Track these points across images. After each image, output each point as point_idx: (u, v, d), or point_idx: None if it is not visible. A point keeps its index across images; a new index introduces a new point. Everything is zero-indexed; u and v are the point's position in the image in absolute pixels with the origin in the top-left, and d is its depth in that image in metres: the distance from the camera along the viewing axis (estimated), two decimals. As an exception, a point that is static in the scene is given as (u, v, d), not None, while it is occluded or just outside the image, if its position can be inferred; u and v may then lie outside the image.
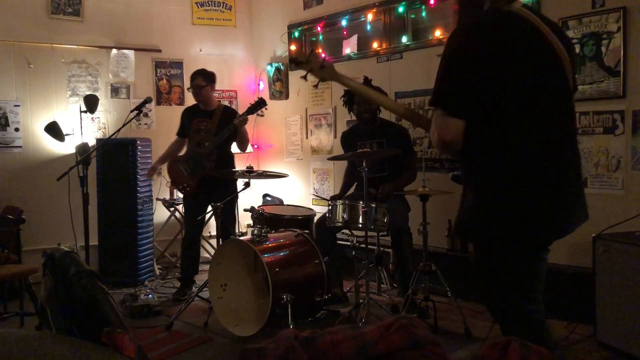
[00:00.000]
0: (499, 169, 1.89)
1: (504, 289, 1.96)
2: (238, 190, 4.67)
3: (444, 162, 4.58)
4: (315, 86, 2.63)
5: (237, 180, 4.71)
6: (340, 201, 3.86)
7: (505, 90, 1.84)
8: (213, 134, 4.58)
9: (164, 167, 5.08)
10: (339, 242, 4.37)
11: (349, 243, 3.96)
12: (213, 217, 4.71)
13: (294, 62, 2.70)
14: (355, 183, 4.53)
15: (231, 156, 4.80)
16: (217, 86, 6.20)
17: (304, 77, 2.47)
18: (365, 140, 4.27)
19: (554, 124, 1.91)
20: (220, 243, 4.68)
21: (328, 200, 4.14)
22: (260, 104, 4.57)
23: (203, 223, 4.85)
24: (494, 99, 1.84)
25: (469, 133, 1.87)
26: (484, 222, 1.93)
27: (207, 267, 4.44)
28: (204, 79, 4.70)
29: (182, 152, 4.88)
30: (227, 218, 4.55)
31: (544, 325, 1.97)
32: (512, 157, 1.87)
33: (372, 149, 4.16)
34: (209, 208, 4.70)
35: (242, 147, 4.83)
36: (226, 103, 6.30)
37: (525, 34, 1.88)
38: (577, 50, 3.71)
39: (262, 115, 6.34)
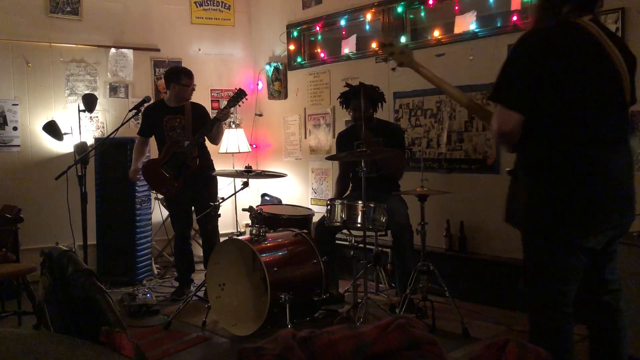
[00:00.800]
0: (549, 164, 2.11)
1: (538, 274, 2.18)
2: (219, 186, 4.67)
3: (442, 162, 4.59)
4: (393, 69, 2.90)
5: (214, 177, 4.64)
6: (339, 201, 3.86)
7: (560, 94, 2.07)
8: (190, 131, 4.49)
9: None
10: (337, 242, 4.38)
11: (347, 243, 3.96)
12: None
13: (380, 45, 2.96)
14: (350, 188, 4.53)
15: (208, 152, 4.72)
16: (216, 85, 6.27)
17: (385, 60, 2.72)
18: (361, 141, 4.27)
19: (607, 129, 2.11)
20: (202, 241, 4.73)
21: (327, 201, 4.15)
22: (240, 95, 4.52)
23: (191, 222, 4.79)
24: (549, 100, 2.07)
25: (526, 129, 2.09)
26: (530, 210, 2.16)
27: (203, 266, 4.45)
28: (192, 78, 4.63)
29: (148, 153, 4.89)
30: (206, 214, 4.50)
31: (569, 323, 2.17)
32: (560, 155, 2.09)
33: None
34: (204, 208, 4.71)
35: (216, 141, 4.75)
36: (224, 103, 6.32)
37: (586, 46, 2.11)
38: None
39: (260, 115, 6.38)
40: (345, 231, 4.09)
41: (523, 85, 2.07)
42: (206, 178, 4.53)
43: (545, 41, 2.08)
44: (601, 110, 2.11)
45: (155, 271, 5.38)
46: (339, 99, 4.43)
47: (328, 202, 3.93)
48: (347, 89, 4.32)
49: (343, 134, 4.63)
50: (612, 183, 2.10)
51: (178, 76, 4.56)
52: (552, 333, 2.16)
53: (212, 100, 6.15)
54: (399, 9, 4.88)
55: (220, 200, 4.10)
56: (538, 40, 2.10)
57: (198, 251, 5.74)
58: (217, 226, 4.60)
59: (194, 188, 4.52)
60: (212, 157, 4.77)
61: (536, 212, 2.15)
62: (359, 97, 4.19)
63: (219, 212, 4.21)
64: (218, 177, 4.75)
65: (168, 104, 4.62)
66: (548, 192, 2.11)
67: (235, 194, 4.49)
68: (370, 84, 4.36)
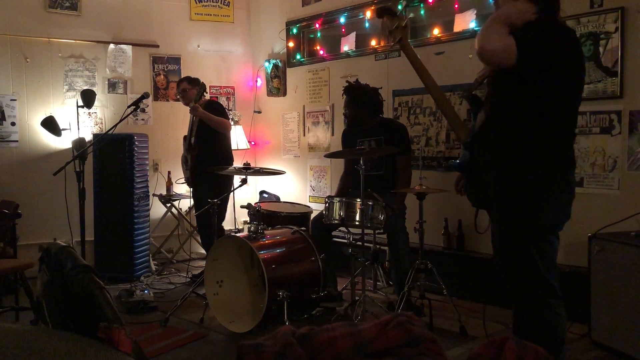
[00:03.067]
0: (547, 154, 2.20)
1: (530, 259, 2.25)
2: (228, 185, 4.67)
3: (441, 161, 4.59)
4: (392, 45, 2.86)
5: (226, 177, 4.66)
6: (337, 198, 3.86)
7: (568, 91, 2.19)
8: (194, 128, 4.79)
9: (163, 162, 5.20)
10: (335, 239, 4.38)
11: (345, 240, 3.96)
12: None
13: (385, 10, 2.85)
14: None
15: (215, 151, 4.81)
16: (215, 82, 6.25)
17: (390, 32, 2.74)
18: (364, 138, 4.27)
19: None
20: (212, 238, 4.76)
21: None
22: (201, 88, 4.72)
23: (207, 214, 4.76)
24: (559, 91, 2.16)
25: (527, 121, 2.18)
26: (533, 206, 2.21)
27: (202, 263, 4.45)
28: (189, 82, 4.94)
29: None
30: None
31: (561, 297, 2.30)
32: (559, 146, 2.22)
33: (370, 146, 4.16)
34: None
35: (217, 128, 4.79)
36: (224, 99, 6.31)
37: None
38: (575, 50, 3.72)
39: (259, 112, 6.38)
40: (343, 229, 4.09)
41: (542, 50, 2.09)
42: (208, 177, 4.58)
43: (570, 35, 2.25)
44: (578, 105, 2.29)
45: (153, 267, 5.38)
46: (344, 93, 4.40)
47: (326, 199, 3.92)
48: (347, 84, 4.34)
49: (347, 131, 4.57)
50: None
51: (176, 87, 5.09)
52: (555, 322, 2.26)
53: (210, 97, 6.13)
54: (399, 7, 4.87)
55: (216, 200, 4.08)
56: (568, 33, 2.24)
57: (199, 248, 5.75)
58: (216, 229, 4.58)
59: (198, 184, 4.82)
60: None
61: (541, 207, 2.21)
62: (346, 98, 4.22)
63: (216, 210, 4.19)
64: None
65: None
66: (550, 190, 2.20)
67: (233, 190, 4.49)
68: (364, 83, 4.34)
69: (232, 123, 5.88)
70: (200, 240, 5.33)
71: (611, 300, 3.08)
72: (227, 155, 4.93)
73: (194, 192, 4.98)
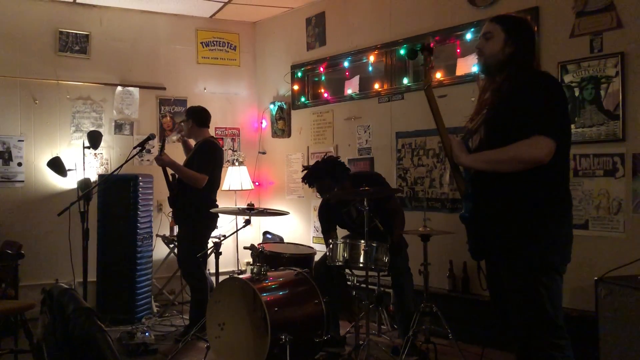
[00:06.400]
0: (555, 201, 2.31)
1: (539, 300, 2.27)
2: (206, 231, 4.55)
3: (445, 202, 4.58)
4: (425, 87, 2.91)
5: (198, 219, 4.47)
6: (341, 240, 3.84)
7: (568, 132, 2.40)
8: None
9: (167, 203, 5.01)
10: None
11: (349, 282, 3.92)
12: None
13: (428, 49, 3.02)
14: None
15: (196, 193, 4.44)
16: (220, 124, 6.31)
17: (427, 70, 2.97)
18: (348, 207, 4.21)
19: None
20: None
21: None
22: (161, 142, 4.60)
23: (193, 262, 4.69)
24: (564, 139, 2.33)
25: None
26: (544, 247, 2.28)
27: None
28: (186, 113, 4.80)
29: None
30: (182, 254, 4.51)
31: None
32: (563, 192, 2.35)
33: (356, 210, 4.10)
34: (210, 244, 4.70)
35: (186, 181, 4.44)
36: (229, 140, 6.36)
37: None
38: (577, 93, 3.77)
39: (263, 153, 6.42)
40: (347, 271, 4.05)
41: (562, 120, 2.32)
42: (182, 219, 4.54)
43: (559, 84, 2.45)
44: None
45: (155, 309, 5.32)
46: (303, 180, 4.25)
47: (330, 241, 3.90)
48: (314, 170, 4.18)
49: (325, 205, 4.37)
50: None
51: None
52: None
53: (216, 138, 6.19)
54: (402, 51, 4.97)
55: (222, 238, 4.08)
56: (560, 85, 2.43)
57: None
58: (197, 284, 4.49)
59: (178, 224, 4.66)
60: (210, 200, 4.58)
61: (551, 249, 2.29)
62: (320, 181, 4.08)
63: (206, 264, 4.17)
64: (221, 215, 4.73)
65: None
66: (557, 228, 2.30)
67: (237, 231, 4.48)
68: (329, 158, 4.23)
69: (236, 164, 5.95)
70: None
71: (620, 345, 3.02)
72: (208, 199, 4.51)
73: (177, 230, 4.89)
